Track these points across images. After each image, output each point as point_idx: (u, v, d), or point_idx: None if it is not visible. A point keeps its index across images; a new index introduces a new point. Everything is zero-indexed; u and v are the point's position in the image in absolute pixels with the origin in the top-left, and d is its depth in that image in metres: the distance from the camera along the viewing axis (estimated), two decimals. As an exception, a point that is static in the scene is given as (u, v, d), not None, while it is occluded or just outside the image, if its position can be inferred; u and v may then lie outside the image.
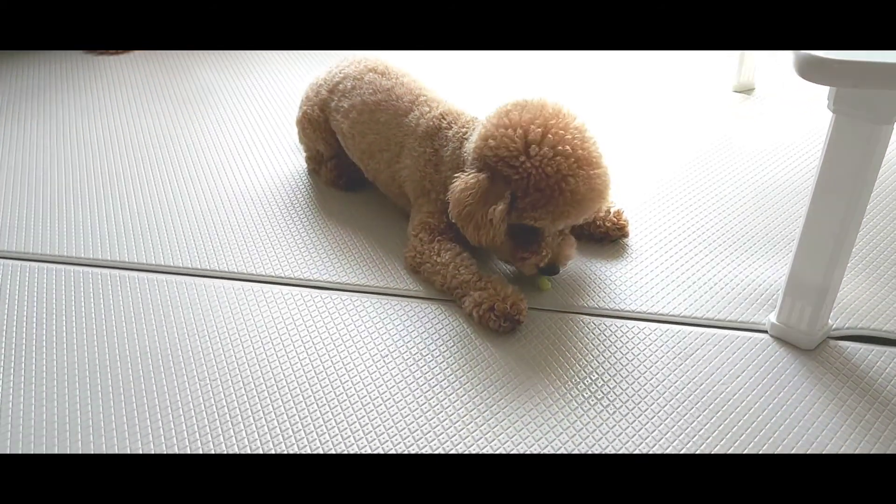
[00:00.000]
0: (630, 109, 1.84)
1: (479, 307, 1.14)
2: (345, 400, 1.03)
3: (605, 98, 1.90)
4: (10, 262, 1.31)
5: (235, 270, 1.29)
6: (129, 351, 1.11)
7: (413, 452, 0.95)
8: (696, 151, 1.64)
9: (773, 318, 1.13)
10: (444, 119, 1.29)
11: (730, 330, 1.15)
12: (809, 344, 1.10)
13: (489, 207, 1.11)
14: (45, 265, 1.30)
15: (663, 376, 1.06)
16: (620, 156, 1.62)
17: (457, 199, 1.14)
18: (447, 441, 0.97)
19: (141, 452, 0.95)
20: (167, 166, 1.61)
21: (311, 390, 1.04)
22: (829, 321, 1.12)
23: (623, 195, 1.46)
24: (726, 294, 1.21)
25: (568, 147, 1.10)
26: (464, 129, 1.25)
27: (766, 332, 1.14)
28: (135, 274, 1.28)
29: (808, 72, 0.87)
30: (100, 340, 1.13)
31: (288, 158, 1.64)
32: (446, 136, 1.27)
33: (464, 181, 1.14)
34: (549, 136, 1.11)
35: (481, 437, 0.97)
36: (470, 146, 1.18)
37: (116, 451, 0.95)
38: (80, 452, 0.95)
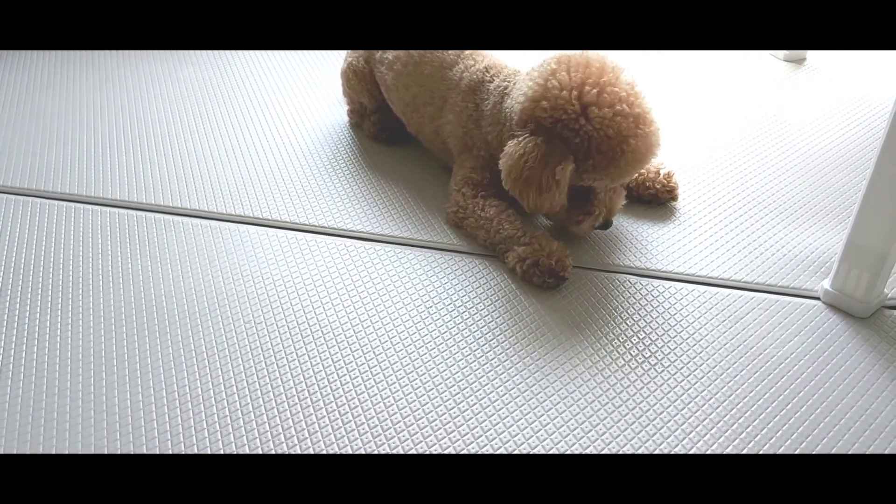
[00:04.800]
0: (679, 75, 1.80)
1: (522, 262, 1.13)
2: (389, 347, 1.02)
3: (653, 62, 1.86)
4: (59, 203, 1.31)
5: (279, 219, 1.28)
6: (174, 293, 1.11)
7: (457, 404, 0.94)
8: (746, 119, 1.60)
9: (826, 284, 1.10)
10: (488, 72, 1.26)
11: (780, 295, 1.12)
12: (864, 312, 1.07)
13: (553, 168, 1.08)
14: (95, 207, 1.30)
15: (713, 338, 1.04)
16: (670, 119, 1.58)
17: (512, 166, 1.10)
18: (492, 393, 0.96)
19: (185, 385, 0.95)
20: (212, 115, 1.60)
21: (356, 336, 1.04)
22: (885, 290, 1.10)
23: (673, 158, 1.43)
24: (777, 260, 1.19)
25: (625, 106, 1.07)
26: (505, 84, 1.22)
27: (818, 298, 1.11)
28: (180, 219, 1.27)
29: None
30: (146, 282, 1.13)
31: (330, 112, 1.63)
32: (487, 90, 1.24)
33: (519, 146, 1.10)
34: (605, 95, 1.07)
35: (527, 390, 0.96)
36: (514, 105, 1.14)
37: (163, 385, 0.95)
38: (128, 383, 0.96)
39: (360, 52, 1.47)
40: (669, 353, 1.02)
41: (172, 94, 1.69)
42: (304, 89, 1.72)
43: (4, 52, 1.86)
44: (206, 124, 1.57)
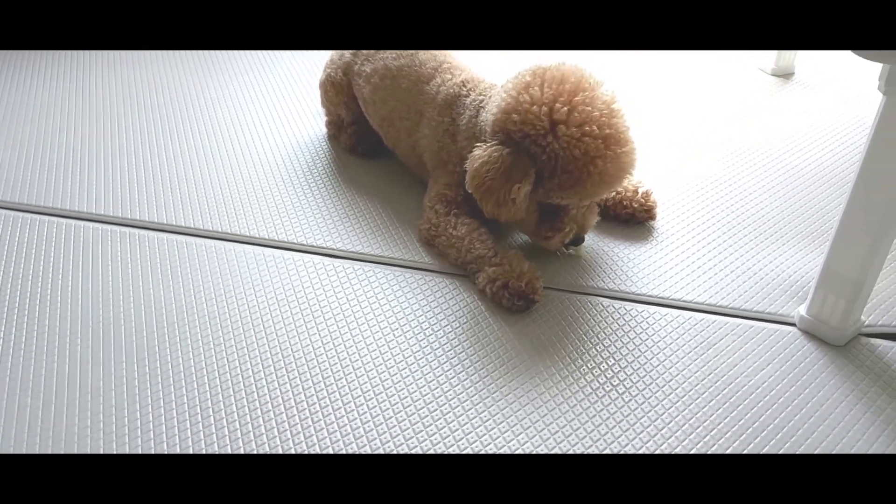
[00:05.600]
0: (664, 89, 1.78)
1: (492, 283, 1.10)
2: (350, 371, 0.99)
3: (637, 75, 1.84)
4: (21, 214, 1.29)
5: (246, 234, 1.25)
6: (133, 309, 1.08)
7: (415, 433, 0.92)
8: (731, 135, 1.58)
9: (802, 310, 1.07)
10: (465, 87, 1.24)
11: (755, 321, 1.09)
12: (839, 340, 1.04)
13: (512, 185, 1.06)
14: (56, 220, 1.28)
15: (683, 365, 1.02)
16: (651, 135, 1.56)
17: (475, 172, 1.09)
18: (453, 422, 0.93)
19: (137, 410, 0.93)
20: (186, 126, 1.58)
21: (318, 357, 1.01)
22: (862, 317, 1.07)
23: (652, 176, 1.41)
24: (754, 284, 1.16)
25: (595, 127, 1.04)
26: (481, 97, 1.20)
27: (794, 325, 1.09)
28: (145, 232, 1.25)
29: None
30: (105, 297, 1.10)
31: (308, 123, 1.60)
32: (464, 104, 1.22)
33: (485, 154, 1.08)
34: (576, 114, 1.05)
35: (489, 419, 0.93)
36: (488, 116, 1.12)
37: (113, 406, 0.93)
38: (78, 401, 0.93)
39: (339, 63, 1.44)
40: (638, 380, 0.99)
41: (146, 103, 1.67)
42: (282, 100, 1.70)
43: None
44: (177, 133, 1.55)
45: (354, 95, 1.43)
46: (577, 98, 1.06)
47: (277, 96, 1.71)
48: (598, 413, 0.95)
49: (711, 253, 1.23)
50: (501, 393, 0.97)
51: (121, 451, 0.88)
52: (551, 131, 1.05)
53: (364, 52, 1.40)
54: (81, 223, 1.27)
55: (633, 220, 1.28)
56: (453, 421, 0.93)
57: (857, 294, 1.01)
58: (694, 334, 1.07)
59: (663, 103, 1.70)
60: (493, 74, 1.28)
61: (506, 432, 0.92)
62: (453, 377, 0.99)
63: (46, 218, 1.28)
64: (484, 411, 0.94)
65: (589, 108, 1.05)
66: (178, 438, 0.90)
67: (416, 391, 0.97)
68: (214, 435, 0.90)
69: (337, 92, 1.45)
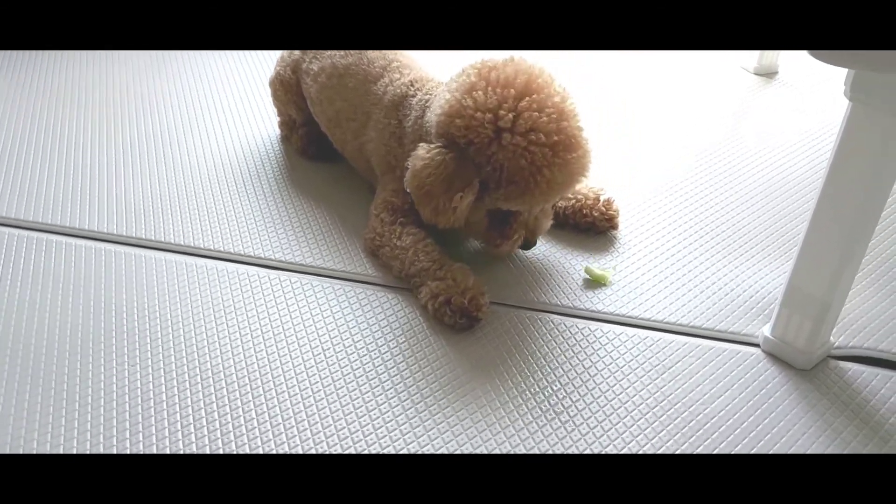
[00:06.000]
0: (638, 87, 1.69)
1: (434, 299, 1.02)
2: (283, 392, 0.92)
3: (614, 74, 1.75)
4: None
5: (173, 242, 1.17)
6: (48, 323, 1.01)
7: (340, 453, 0.84)
8: (706, 138, 1.49)
9: (766, 331, 1.00)
10: (412, 86, 1.16)
11: (717, 341, 1.02)
12: (805, 363, 0.97)
13: (453, 194, 0.99)
14: (-21, 225, 1.20)
15: (634, 390, 0.94)
16: (618, 136, 1.48)
17: (416, 174, 1.00)
18: (388, 447, 0.85)
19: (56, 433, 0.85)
20: (127, 124, 1.50)
21: (249, 379, 0.93)
22: (831, 338, 0.99)
23: (615, 182, 1.32)
24: (719, 300, 1.08)
25: (542, 135, 0.97)
26: (427, 97, 1.12)
27: (758, 346, 1.01)
28: (62, 239, 1.17)
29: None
30: (19, 310, 1.03)
31: (261, 123, 1.52)
32: (410, 105, 1.14)
33: (428, 156, 1.00)
34: (521, 120, 0.97)
35: (428, 444, 0.86)
36: (432, 117, 1.04)
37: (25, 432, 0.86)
38: (-29, 438, 0.86)
39: (288, 61, 1.36)
40: (584, 408, 0.91)
41: (84, 101, 1.59)
42: (236, 99, 1.62)
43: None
44: (113, 133, 1.46)
45: (304, 95, 1.36)
46: (523, 103, 0.98)
47: (230, 95, 1.63)
48: (545, 438, 0.87)
49: (675, 266, 1.15)
50: (434, 421, 0.89)
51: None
52: (496, 139, 0.97)
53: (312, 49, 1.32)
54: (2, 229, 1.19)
55: (594, 229, 1.20)
56: (375, 442, 0.85)
57: (823, 314, 0.93)
58: (649, 356, 0.99)
59: (636, 103, 1.62)
60: (444, 73, 1.20)
61: (434, 439, 0.84)
62: (385, 402, 0.91)
63: (-30, 224, 1.21)
64: (409, 432, 0.87)
65: (536, 114, 0.97)
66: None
67: (350, 413, 0.89)
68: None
69: (286, 91, 1.37)
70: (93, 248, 1.15)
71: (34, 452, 0.84)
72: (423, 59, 1.27)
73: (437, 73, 1.20)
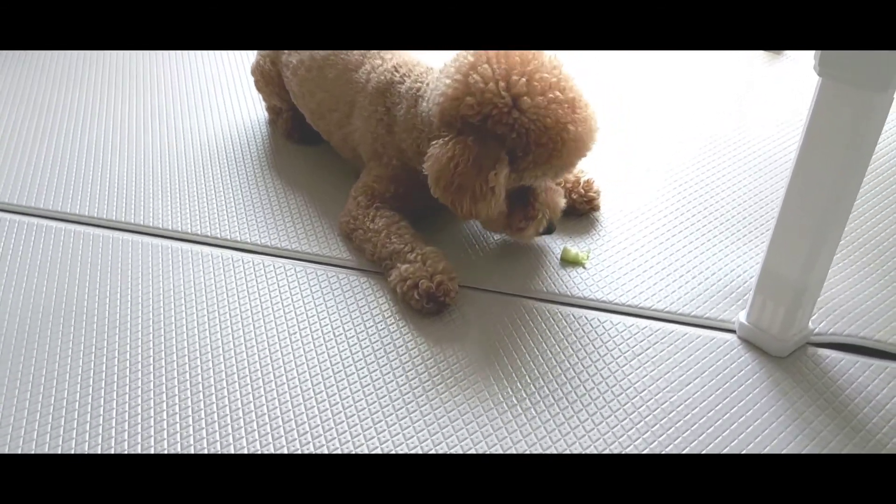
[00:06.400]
0: (634, 60, 1.65)
1: (403, 282, 1.01)
2: (252, 371, 0.92)
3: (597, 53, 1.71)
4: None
5: (154, 225, 1.17)
6: (21, 305, 1.02)
7: (299, 449, 0.84)
8: (702, 115, 1.45)
9: (742, 317, 0.97)
10: (398, 72, 1.13)
11: (692, 327, 0.99)
12: (780, 350, 0.94)
13: (486, 174, 0.96)
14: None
15: (601, 377, 0.92)
16: (608, 114, 1.44)
17: (441, 171, 0.98)
18: (342, 435, 0.85)
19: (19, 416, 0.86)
20: (119, 106, 1.51)
21: (218, 359, 0.93)
22: (810, 325, 0.96)
23: (598, 164, 1.29)
24: (697, 285, 1.05)
25: (558, 92, 0.97)
26: (418, 85, 1.09)
27: (734, 332, 0.98)
28: (42, 222, 1.18)
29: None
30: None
31: (250, 106, 1.51)
32: (398, 93, 1.11)
33: (447, 149, 0.97)
34: (535, 83, 0.96)
35: (388, 440, 0.85)
36: (432, 106, 1.02)
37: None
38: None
39: (267, 53, 1.35)
40: (548, 394, 0.90)
41: (73, 82, 1.59)
42: (227, 80, 1.61)
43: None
44: (103, 114, 1.47)
45: (285, 87, 1.34)
46: (530, 67, 0.97)
47: (221, 76, 1.62)
48: (504, 425, 0.85)
49: (654, 250, 1.12)
50: (394, 406, 0.88)
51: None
52: (515, 106, 0.96)
53: None
54: (-9, 213, 1.21)
55: (574, 211, 1.17)
56: (333, 427, 0.85)
57: (798, 300, 0.90)
58: (619, 342, 0.97)
59: (623, 79, 1.58)
60: (426, 57, 1.18)
61: (395, 435, 0.83)
62: (344, 388, 0.91)
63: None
64: (384, 432, 0.86)
65: (546, 76, 0.97)
66: (74, 442, 0.83)
67: (310, 399, 0.89)
68: (113, 437, 0.83)
69: (266, 83, 1.36)
70: (71, 231, 1.16)
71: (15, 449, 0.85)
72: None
73: (421, 57, 1.18)
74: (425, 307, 0.99)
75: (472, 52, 1.01)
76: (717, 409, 0.88)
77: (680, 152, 1.35)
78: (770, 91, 1.54)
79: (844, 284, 1.04)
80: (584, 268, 1.08)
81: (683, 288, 1.05)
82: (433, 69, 1.11)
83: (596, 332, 0.98)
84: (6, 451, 0.83)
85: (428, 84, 1.07)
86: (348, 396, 0.89)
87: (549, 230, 1.08)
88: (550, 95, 0.96)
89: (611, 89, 1.55)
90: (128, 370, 0.93)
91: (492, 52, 0.99)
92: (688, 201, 1.22)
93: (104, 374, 0.92)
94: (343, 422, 0.86)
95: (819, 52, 0.76)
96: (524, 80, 0.96)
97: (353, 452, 0.83)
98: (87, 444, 0.84)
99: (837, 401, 0.88)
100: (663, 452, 0.83)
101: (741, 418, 0.86)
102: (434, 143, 1.00)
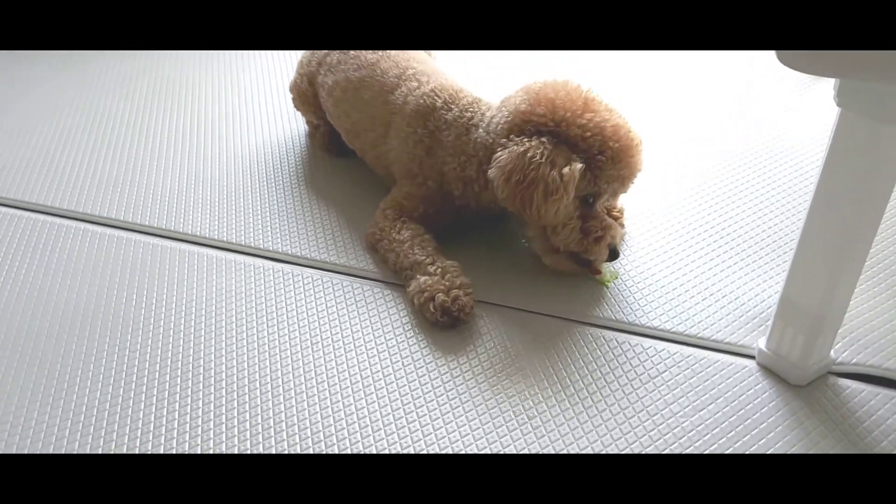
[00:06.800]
0: (644, 67, 1.64)
1: (420, 294, 1.03)
2: (267, 383, 0.95)
3: (606, 67, 1.71)
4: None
5: (190, 232, 1.22)
6: (63, 307, 1.07)
7: (310, 448, 0.87)
8: (718, 128, 1.44)
9: (762, 343, 0.96)
10: (439, 97, 1.16)
11: (710, 351, 0.98)
12: (799, 379, 0.92)
13: (560, 169, 1.00)
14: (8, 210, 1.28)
15: (614, 399, 0.92)
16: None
17: (513, 167, 1.00)
18: (353, 437, 0.87)
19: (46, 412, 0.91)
20: (168, 117, 1.57)
21: (237, 367, 0.97)
22: (832, 354, 0.94)
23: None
24: (719, 308, 1.05)
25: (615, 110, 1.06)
26: (469, 114, 1.12)
27: (754, 358, 0.97)
28: (82, 225, 1.24)
29: (790, 56, 0.70)
30: (29, 294, 1.10)
31: (295, 116, 1.56)
32: (444, 119, 1.14)
33: (520, 146, 1.01)
34: (598, 99, 1.05)
35: (394, 442, 0.87)
36: (495, 127, 1.06)
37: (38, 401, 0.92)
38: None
39: (305, 72, 1.39)
40: (558, 413, 0.90)
41: (129, 93, 1.66)
42: (272, 91, 1.66)
43: None
44: (154, 124, 1.53)
45: (321, 106, 1.38)
46: (586, 89, 1.07)
47: (267, 88, 1.68)
48: (512, 442, 0.87)
49: (676, 270, 1.11)
50: (407, 419, 0.90)
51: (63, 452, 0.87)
52: (586, 108, 1.03)
53: (327, 61, 1.33)
54: (35, 216, 1.27)
55: (599, 231, 1.18)
56: (346, 436, 0.87)
57: (818, 329, 0.89)
58: (636, 363, 0.97)
59: (643, 87, 1.58)
60: (464, 81, 1.21)
61: (403, 439, 0.85)
62: (357, 385, 0.93)
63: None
64: (403, 427, 0.88)
65: (602, 98, 1.07)
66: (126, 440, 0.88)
67: (314, 403, 0.91)
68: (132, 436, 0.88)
69: (303, 101, 1.41)
70: (114, 237, 1.21)
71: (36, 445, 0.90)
72: (439, 64, 1.28)
73: (456, 78, 1.22)
74: (439, 320, 1.01)
75: (538, 82, 1.08)
76: (729, 436, 0.87)
77: (704, 168, 1.34)
78: (794, 103, 1.52)
79: (870, 314, 1.02)
80: (607, 287, 1.09)
81: (705, 311, 1.04)
82: (481, 100, 1.16)
83: (612, 352, 0.99)
84: (40, 449, 0.88)
85: (483, 114, 1.11)
86: (362, 399, 0.92)
87: (616, 253, 1.08)
88: (612, 109, 1.06)
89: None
90: (157, 371, 0.97)
91: (558, 81, 1.07)
92: (712, 221, 1.21)
93: (135, 375, 0.97)
94: (352, 424, 0.89)
95: (838, 83, 0.75)
96: (591, 93, 1.06)
97: (362, 452, 0.85)
98: (113, 443, 0.88)
99: (854, 433, 0.87)
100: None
101: (754, 446, 0.86)
102: (504, 148, 1.03)
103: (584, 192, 1.03)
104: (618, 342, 1.00)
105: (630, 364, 0.97)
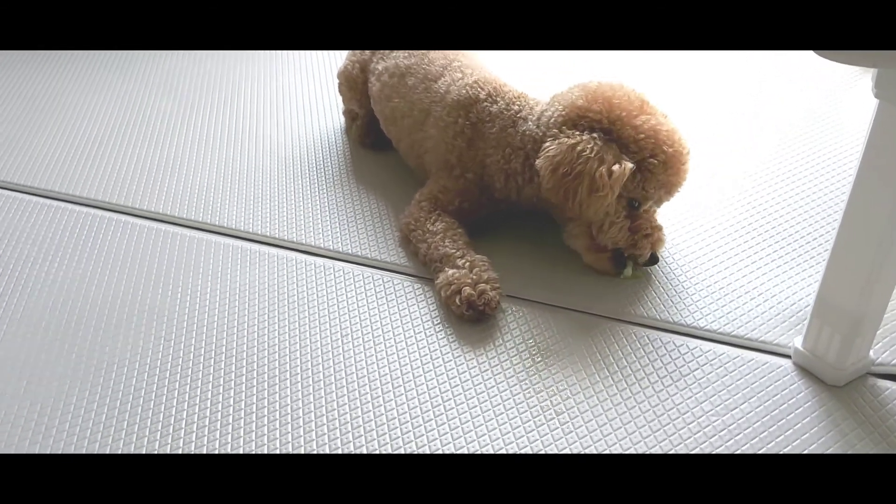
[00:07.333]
0: (677, 65, 1.61)
1: (448, 287, 1.03)
2: (296, 379, 0.96)
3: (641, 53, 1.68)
4: (25, 196, 1.34)
5: (225, 225, 1.24)
6: (101, 298, 1.10)
7: (326, 445, 0.87)
8: (755, 122, 1.40)
9: (798, 342, 0.94)
10: (482, 89, 1.16)
11: (745, 349, 0.97)
12: (836, 379, 0.90)
13: (610, 165, 0.99)
14: (57, 203, 1.32)
15: (644, 396, 0.91)
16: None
17: (561, 159, 1.00)
18: (369, 434, 0.88)
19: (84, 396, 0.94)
20: (205, 113, 1.60)
21: (269, 359, 0.98)
22: (871, 354, 0.92)
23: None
24: (755, 306, 1.03)
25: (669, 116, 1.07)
26: (515, 108, 1.13)
27: (790, 357, 0.95)
28: (127, 218, 1.26)
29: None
30: (70, 285, 1.13)
31: (332, 111, 1.57)
32: (489, 112, 1.14)
33: (571, 140, 1.01)
34: (653, 105, 1.05)
35: (409, 436, 0.87)
36: (547, 119, 1.06)
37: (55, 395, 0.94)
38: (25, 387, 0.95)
39: (358, 57, 1.40)
40: (587, 409, 0.90)
41: (173, 89, 1.69)
42: (312, 86, 1.68)
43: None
44: (196, 120, 1.56)
45: (367, 93, 1.39)
46: (640, 93, 1.07)
47: (307, 82, 1.69)
48: (539, 439, 0.86)
49: (710, 268, 1.09)
50: (434, 413, 0.90)
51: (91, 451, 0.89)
52: (642, 108, 1.03)
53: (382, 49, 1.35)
54: (80, 208, 1.30)
55: (633, 227, 1.16)
56: (360, 426, 0.88)
57: (856, 328, 0.86)
58: (667, 360, 0.95)
59: (690, 86, 1.55)
60: (508, 76, 1.21)
61: (420, 436, 0.85)
62: (387, 387, 0.94)
63: (46, 202, 1.32)
64: (433, 429, 0.88)
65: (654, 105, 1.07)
66: (169, 438, 0.90)
67: (357, 403, 0.92)
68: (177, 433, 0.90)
69: (350, 87, 1.42)
70: (153, 229, 1.24)
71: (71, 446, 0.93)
72: (484, 59, 1.28)
73: (499, 73, 1.22)
74: (465, 314, 1.01)
75: (593, 81, 1.08)
76: (762, 436, 0.85)
77: (744, 162, 1.31)
78: (844, 93, 1.47)
79: (915, 313, 0.99)
80: (638, 278, 1.08)
81: (740, 309, 1.02)
82: (527, 94, 1.16)
83: (643, 349, 0.97)
84: (85, 447, 0.91)
85: (532, 108, 1.12)
86: (390, 396, 0.92)
87: (653, 260, 1.07)
88: (664, 114, 1.06)
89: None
90: (190, 364, 0.99)
91: (610, 83, 1.07)
92: (748, 216, 1.19)
93: (169, 366, 0.99)
94: (380, 420, 0.89)
95: (876, 74, 0.73)
96: (643, 95, 1.06)
97: (388, 452, 0.86)
98: (146, 438, 0.90)
99: (893, 435, 0.84)
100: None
101: (788, 447, 0.84)
102: (553, 140, 1.04)
103: (631, 194, 1.03)
104: (648, 339, 0.99)
105: (661, 361, 0.95)
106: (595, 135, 1.01)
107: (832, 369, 0.90)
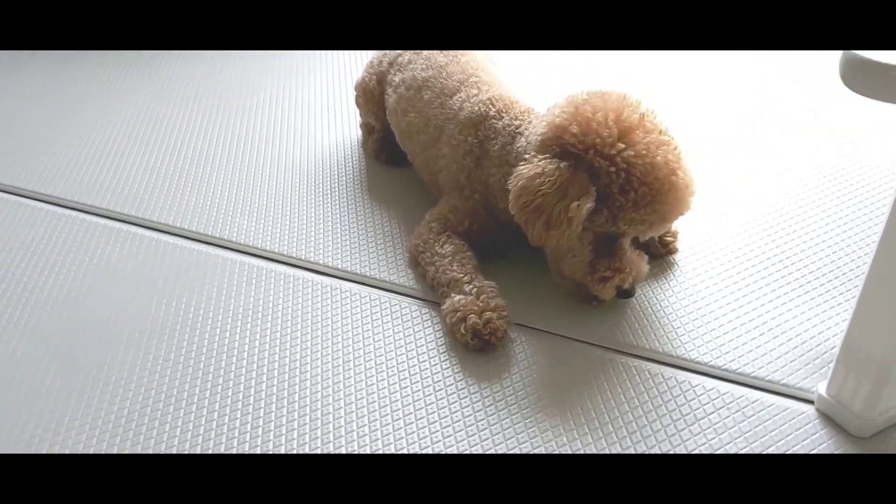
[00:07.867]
0: (691, 80, 1.56)
1: (453, 314, 0.99)
2: (293, 398, 0.93)
3: (658, 68, 1.62)
4: (36, 203, 1.33)
5: (234, 240, 1.22)
6: (99, 311, 1.08)
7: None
8: (782, 146, 1.35)
9: (822, 388, 0.88)
10: (493, 106, 1.12)
11: (765, 392, 0.91)
12: (862, 430, 0.84)
13: (569, 202, 0.93)
14: (69, 212, 1.31)
15: (654, 441, 0.86)
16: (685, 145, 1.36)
17: (523, 187, 0.95)
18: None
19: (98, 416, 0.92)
20: (225, 121, 1.58)
21: (267, 377, 0.95)
22: (901, 405, 0.86)
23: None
24: (777, 346, 0.97)
25: (668, 136, 0.95)
26: (517, 122, 1.08)
27: (812, 403, 0.89)
28: (133, 229, 1.25)
29: (855, 80, 0.63)
30: (77, 295, 1.11)
31: (349, 124, 1.54)
32: (494, 128, 1.10)
33: (537, 167, 0.95)
34: (647, 122, 0.94)
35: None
36: (532, 137, 1.00)
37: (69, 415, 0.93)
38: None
39: (375, 70, 1.37)
40: (589, 443, 0.85)
41: (192, 97, 1.68)
42: (330, 97, 1.66)
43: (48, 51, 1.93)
44: (213, 129, 1.54)
45: (384, 106, 1.36)
46: (641, 109, 0.96)
47: (325, 93, 1.67)
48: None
49: (732, 302, 1.04)
50: (433, 445, 0.87)
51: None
52: (621, 139, 0.93)
53: (399, 60, 1.32)
54: (90, 218, 1.29)
55: (650, 254, 1.11)
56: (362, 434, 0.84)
57: (885, 377, 0.81)
58: (681, 402, 0.91)
59: (681, 84, 1.50)
60: (524, 92, 1.17)
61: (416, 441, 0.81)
62: (386, 415, 0.90)
63: (60, 210, 1.31)
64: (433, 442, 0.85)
65: (657, 120, 0.96)
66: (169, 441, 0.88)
67: (336, 417, 0.89)
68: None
69: (367, 99, 1.39)
70: (161, 241, 1.22)
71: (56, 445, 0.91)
72: (504, 77, 1.24)
73: (516, 91, 1.17)
74: (469, 343, 0.97)
75: (586, 92, 1.00)
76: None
77: (767, 192, 1.26)
78: (872, 120, 1.41)
79: (949, 361, 0.92)
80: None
81: (761, 348, 0.97)
82: (533, 109, 1.11)
83: (656, 388, 0.92)
84: (93, 451, 0.89)
85: (530, 122, 1.06)
86: (388, 425, 0.89)
87: (629, 293, 1.01)
88: (662, 138, 0.94)
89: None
90: (199, 378, 0.96)
91: (608, 94, 0.98)
92: (772, 248, 1.13)
93: (177, 382, 0.96)
94: (363, 447, 0.86)
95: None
96: (636, 116, 0.94)
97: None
98: (152, 440, 0.88)
99: (922, 496, 0.78)
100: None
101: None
102: (524, 162, 0.98)
103: (600, 229, 0.96)
104: (663, 377, 0.94)
105: (675, 402, 0.91)
106: (563, 164, 0.94)
107: (858, 419, 0.84)
